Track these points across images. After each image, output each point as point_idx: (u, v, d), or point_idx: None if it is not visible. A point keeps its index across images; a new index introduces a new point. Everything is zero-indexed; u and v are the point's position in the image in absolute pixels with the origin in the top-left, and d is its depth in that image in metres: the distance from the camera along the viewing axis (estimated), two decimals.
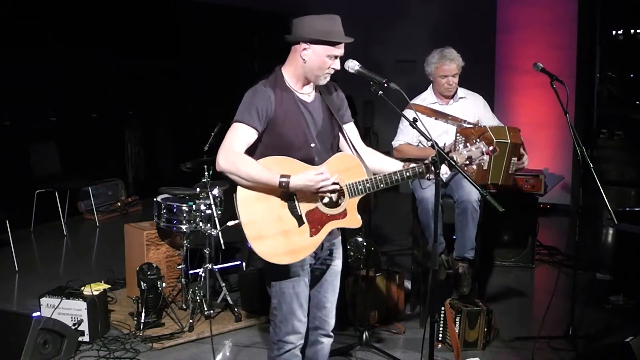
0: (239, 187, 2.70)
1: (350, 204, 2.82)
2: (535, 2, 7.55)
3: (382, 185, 2.82)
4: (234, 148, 2.69)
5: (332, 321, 3.05)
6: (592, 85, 7.81)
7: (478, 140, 2.98)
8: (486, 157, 2.95)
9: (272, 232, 2.72)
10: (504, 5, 7.77)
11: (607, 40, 7.85)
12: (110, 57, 7.68)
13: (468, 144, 2.98)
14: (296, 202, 2.75)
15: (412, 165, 2.87)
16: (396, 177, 2.82)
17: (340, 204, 2.81)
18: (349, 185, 2.80)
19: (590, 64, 7.66)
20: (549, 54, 7.07)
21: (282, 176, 2.65)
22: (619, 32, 8.10)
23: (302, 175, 2.68)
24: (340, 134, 2.96)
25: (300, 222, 2.75)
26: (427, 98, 4.53)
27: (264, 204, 2.71)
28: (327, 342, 3.08)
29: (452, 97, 4.52)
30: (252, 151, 2.75)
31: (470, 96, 4.57)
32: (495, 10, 7.79)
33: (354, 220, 2.85)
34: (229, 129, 2.75)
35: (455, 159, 2.89)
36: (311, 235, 2.76)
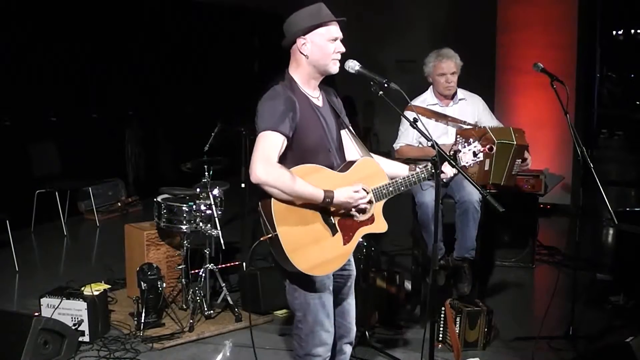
0: (274, 201, 2.57)
1: (376, 208, 2.80)
2: (535, 2, 7.55)
3: (402, 188, 2.82)
4: (272, 159, 2.55)
5: (354, 328, 3.01)
6: (592, 85, 7.83)
7: (472, 140, 3.02)
8: (481, 156, 3.00)
9: (307, 243, 2.63)
10: (504, 5, 7.76)
11: (607, 40, 7.86)
12: (111, 57, 7.69)
13: (466, 144, 3.01)
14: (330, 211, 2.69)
15: (424, 165, 2.88)
16: (414, 179, 2.84)
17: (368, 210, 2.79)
18: (375, 189, 2.78)
19: (590, 64, 7.68)
20: (549, 54, 7.06)
21: (326, 192, 2.60)
22: (619, 32, 8.12)
23: (343, 191, 2.65)
24: (343, 138, 2.93)
25: (334, 231, 2.70)
26: (427, 99, 4.54)
27: (299, 215, 2.62)
28: (349, 351, 3.03)
29: (452, 98, 4.52)
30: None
31: (470, 97, 4.58)
32: (495, 10, 7.79)
33: (381, 225, 2.83)
34: (258, 137, 2.61)
35: (462, 159, 2.94)
36: (345, 244, 2.72)
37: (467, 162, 2.99)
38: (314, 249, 2.64)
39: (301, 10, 2.72)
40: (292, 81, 2.75)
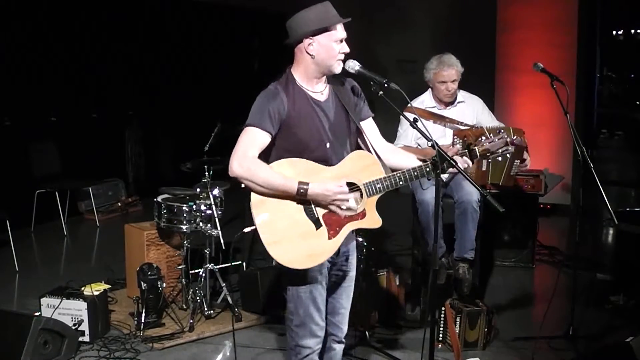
0: (252, 193, 2.63)
1: (369, 203, 2.75)
2: (535, 1, 7.54)
3: (401, 183, 2.75)
4: (248, 153, 2.61)
5: (345, 328, 3.01)
6: (592, 85, 7.83)
7: (501, 131, 2.94)
8: (511, 148, 2.91)
9: (288, 236, 2.64)
10: (504, 5, 7.76)
11: (607, 40, 7.86)
12: (111, 57, 7.68)
13: (492, 135, 2.92)
14: (313, 205, 2.67)
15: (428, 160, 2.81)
16: (415, 173, 2.77)
17: (358, 204, 2.73)
18: (367, 184, 2.74)
19: (590, 64, 7.68)
20: (549, 53, 7.06)
21: (300, 183, 2.60)
22: (619, 32, 8.13)
23: (321, 184, 2.63)
24: (358, 131, 2.89)
25: (318, 225, 2.68)
26: (425, 101, 4.53)
27: (279, 207, 2.64)
28: (339, 349, 3.03)
29: (451, 102, 4.52)
30: (267, 154, 2.69)
31: (469, 99, 4.57)
32: (495, 10, 7.78)
33: (373, 221, 2.77)
34: (241, 132, 2.67)
35: (476, 151, 2.88)
36: (329, 238, 2.69)
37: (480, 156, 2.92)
38: (295, 243, 2.65)
39: (308, 9, 2.70)
40: (289, 77, 2.77)
